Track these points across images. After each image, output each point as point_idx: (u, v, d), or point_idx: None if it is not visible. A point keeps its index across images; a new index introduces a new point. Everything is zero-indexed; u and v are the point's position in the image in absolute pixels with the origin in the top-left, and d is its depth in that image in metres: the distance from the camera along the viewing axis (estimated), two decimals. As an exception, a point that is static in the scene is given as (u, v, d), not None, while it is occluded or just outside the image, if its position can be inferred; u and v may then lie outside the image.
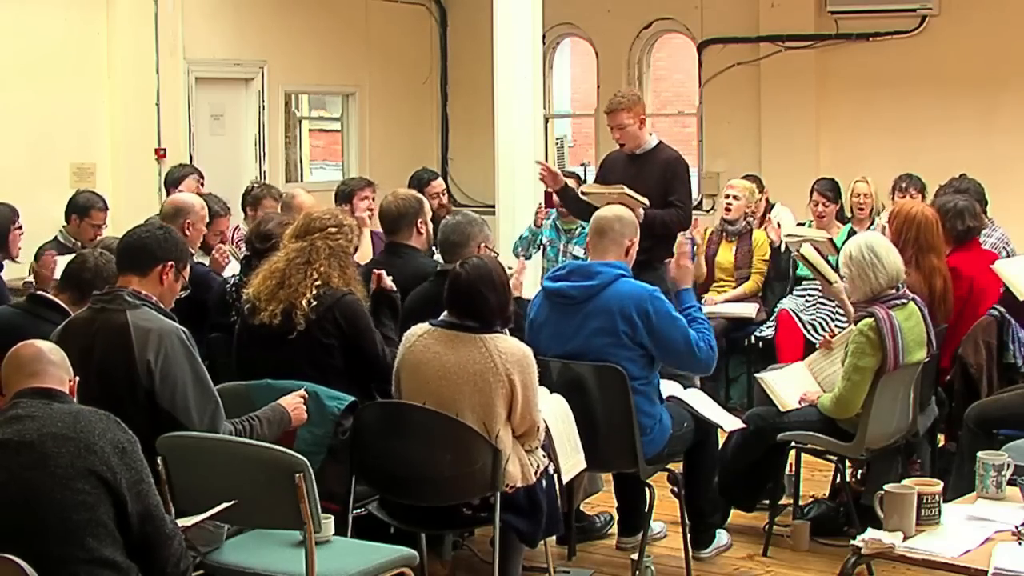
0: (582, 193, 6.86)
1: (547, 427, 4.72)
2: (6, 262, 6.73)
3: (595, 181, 7.21)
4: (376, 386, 4.96)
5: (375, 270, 5.34)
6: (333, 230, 4.98)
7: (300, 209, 6.34)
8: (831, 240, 7.40)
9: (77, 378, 3.57)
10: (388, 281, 5.28)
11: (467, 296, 4.61)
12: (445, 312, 4.67)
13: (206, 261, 6.52)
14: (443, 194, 8.45)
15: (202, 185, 7.96)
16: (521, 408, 4.51)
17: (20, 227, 6.73)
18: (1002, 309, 5.94)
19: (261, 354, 4.85)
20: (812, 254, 6.48)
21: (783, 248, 8.11)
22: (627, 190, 6.49)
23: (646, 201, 6.51)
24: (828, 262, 6.77)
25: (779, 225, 8.23)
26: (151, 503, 3.38)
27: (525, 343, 4.71)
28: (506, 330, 4.69)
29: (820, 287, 6.87)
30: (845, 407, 5.40)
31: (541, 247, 8.22)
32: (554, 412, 4.85)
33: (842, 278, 6.32)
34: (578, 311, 5.14)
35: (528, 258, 8.06)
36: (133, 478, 3.34)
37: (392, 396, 4.76)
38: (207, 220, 6.35)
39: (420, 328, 4.69)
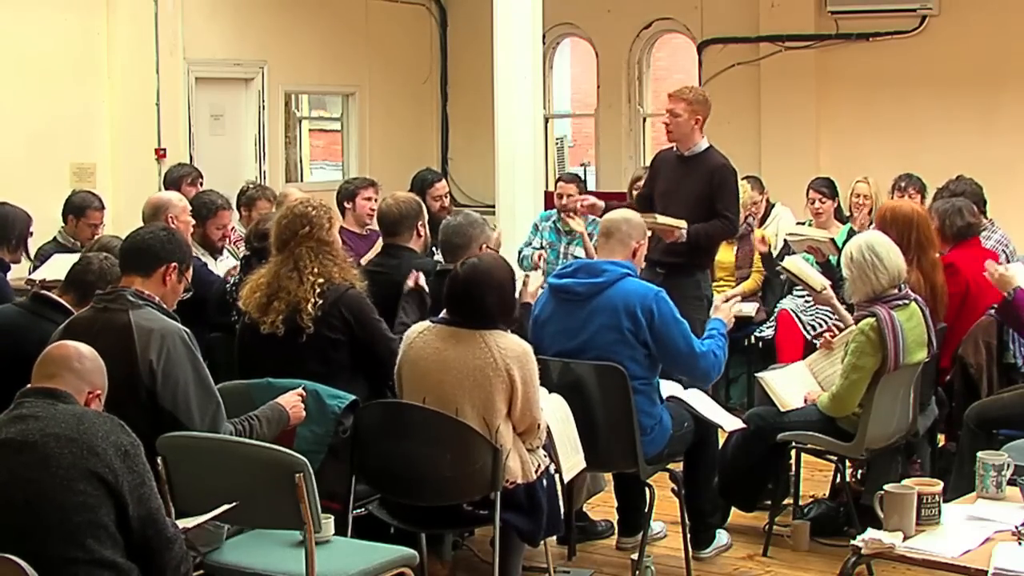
0: None
1: (548, 427, 4.73)
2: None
3: (645, 180, 7.25)
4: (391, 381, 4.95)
5: (413, 271, 5.41)
6: (305, 231, 4.91)
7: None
8: (832, 240, 7.38)
9: (102, 392, 3.54)
10: (423, 281, 5.36)
11: (463, 296, 4.60)
12: (444, 311, 4.68)
13: (203, 258, 6.51)
14: (446, 197, 8.36)
15: (200, 185, 7.94)
16: (521, 404, 4.51)
17: (32, 233, 6.74)
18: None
19: (266, 352, 4.86)
20: (795, 265, 6.46)
21: (780, 248, 8.10)
22: (659, 218, 6.49)
23: (683, 224, 6.52)
24: (829, 262, 6.75)
25: (763, 239, 8.20)
26: (153, 507, 3.38)
27: (527, 341, 4.71)
28: (508, 330, 4.68)
29: (811, 296, 6.83)
30: (841, 405, 5.40)
31: (541, 249, 8.21)
32: (554, 412, 4.85)
33: (831, 284, 6.34)
34: (583, 308, 5.15)
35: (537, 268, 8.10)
36: (135, 481, 3.34)
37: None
38: (189, 211, 6.35)
39: (420, 325, 4.70)
